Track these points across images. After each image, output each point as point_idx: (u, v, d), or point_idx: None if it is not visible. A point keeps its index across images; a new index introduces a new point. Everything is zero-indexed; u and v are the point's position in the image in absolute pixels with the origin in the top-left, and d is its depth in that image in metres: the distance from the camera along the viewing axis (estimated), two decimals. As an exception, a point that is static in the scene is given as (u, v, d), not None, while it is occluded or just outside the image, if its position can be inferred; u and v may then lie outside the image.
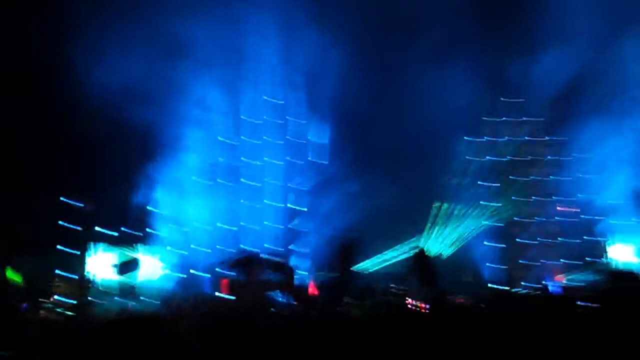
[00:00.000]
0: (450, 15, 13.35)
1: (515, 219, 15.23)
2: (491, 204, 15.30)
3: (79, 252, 12.46)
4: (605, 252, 14.46)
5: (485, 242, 14.96)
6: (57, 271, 12.00)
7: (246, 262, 8.36)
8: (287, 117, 15.46)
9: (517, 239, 15.06)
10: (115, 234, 13.21)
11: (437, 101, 13.12)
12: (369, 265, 13.99)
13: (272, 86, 15.23)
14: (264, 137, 15.34)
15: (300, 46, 14.26)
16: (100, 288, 12.20)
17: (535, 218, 15.24)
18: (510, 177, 15.48)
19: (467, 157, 15.36)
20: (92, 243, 12.74)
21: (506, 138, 15.61)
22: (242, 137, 15.16)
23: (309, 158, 15.45)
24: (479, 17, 13.57)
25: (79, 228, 12.53)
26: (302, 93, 15.16)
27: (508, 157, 15.57)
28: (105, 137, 12.72)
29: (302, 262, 13.97)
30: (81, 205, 12.73)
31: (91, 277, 12.46)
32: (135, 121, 12.54)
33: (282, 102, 15.37)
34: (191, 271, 13.22)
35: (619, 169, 13.92)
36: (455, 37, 13.35)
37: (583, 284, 12.74)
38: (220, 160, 14.90)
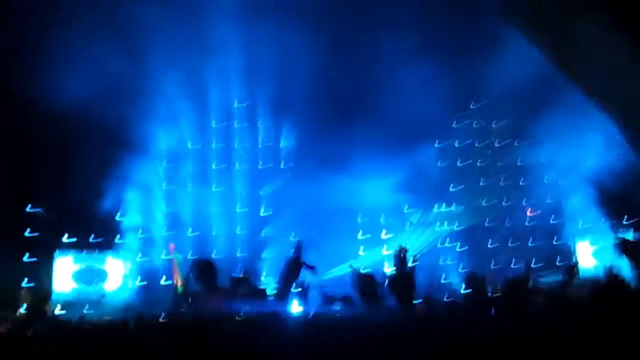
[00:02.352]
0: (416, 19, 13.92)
1: (485, 224, 16.08)
2: (458, 209, 16.10)
3: (40, 261, 12.66)
4: (575, 254, 15.30)
5: (455, 248, 15.75)
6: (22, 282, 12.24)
7: (199, 270, 8.41)
8: (251, 120, 15.96)
9: (487, 245, 15.87)
10: (74, 239, 13.48)
11: (402, 104, 13.75)
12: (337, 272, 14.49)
13: (237, 89, 15.65)
14: (229, 142, 15.88)
15: (265, 44, 14.63)
16: (60, 298, 12.43)
17: (506, 223, 16.10)
18: (480, 182, 16.32)
19: (435, 162, 16.15)
20: (55, 251, 12.97)
21: (475, 143, 16.46)
22: (208, 143, 15.66)
23: (272, 162, 16.01)
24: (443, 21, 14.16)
25: (42, 236, 12.77)
26: (268, 96, 15.62)
27: (477, 162, 16.40)
28: (67, 141, 12.99)
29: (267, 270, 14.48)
30: (44, 212, 12.95)
31: (50, 287, 12.67)
32: (98, 125, 12.89)
33: (246, 104, 15.84)
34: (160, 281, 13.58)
35: (585, 171, 14.76)
36: (422, 41, 13.88)
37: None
38: (187, 166, 15.38)
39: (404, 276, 7.18)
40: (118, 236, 13.98)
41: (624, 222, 14.42)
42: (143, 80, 14.09)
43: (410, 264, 8.05)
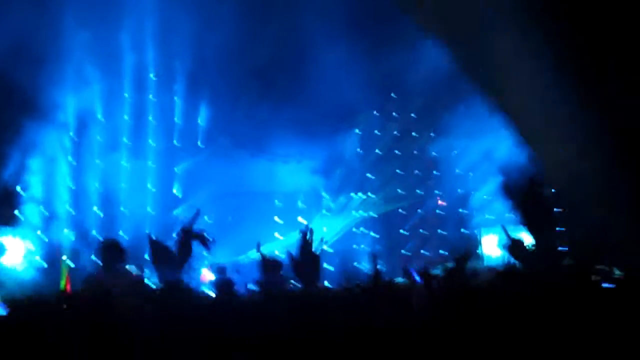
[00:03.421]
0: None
1: (399, 211, 16.86)
2: (373, 196, 16.74)
3: None
4: (480, 244, 16.30)
5: (369, 234, 16.40)
6: None
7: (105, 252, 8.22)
8: (167, 94, 15.69)
9: (399, 230, 16.65)
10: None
11: (321, 91, 14.02)
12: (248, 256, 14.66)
13: (152, 61, 15.32)
14: (142, 116, 15.53)
15: (183, 18, 14.41)
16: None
17: (418, 211, 16.93)
18: (396, 170, 17.01)
19: (353, 149, 16.66)
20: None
21: (394, 133, 17.08)
22: (119, 115, 15.23)
23: (187, 139, 15.86)
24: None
25: None
26: (184, 71, 15.41)
27: (394, 151, 17.06)
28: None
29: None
30: None
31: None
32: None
33: (162, 77, 15.55)
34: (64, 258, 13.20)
35: (491, 164, 15.70)
36: (344, 26, 14.14)
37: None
38: (96, 138, 14.91)
39: (309, 258, 7.36)
40: (18, 210, 13.44)
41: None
42: (51, 44, 13.53)
43: (316, 245, 8.26)
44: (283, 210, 16.15)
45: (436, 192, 17.13)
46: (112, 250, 8.05)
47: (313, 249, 8.01)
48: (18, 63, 12.56)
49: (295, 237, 15.35)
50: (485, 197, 16.16)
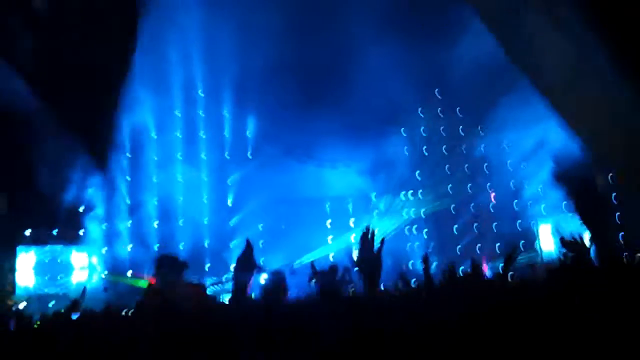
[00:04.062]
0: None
1: (451, 209, 16.67)
2: (423, 195, 16.64)
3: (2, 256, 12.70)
4: (537, 236, 15.96)
5: (421, 233, 16.32)
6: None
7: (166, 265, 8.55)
8: (216, 109, 16.15)
9: (451, 228, 16.48)
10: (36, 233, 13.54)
11: (366, 94, 14.09)
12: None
13: (202, 78, 15.81)
14: (194, 132, 16.06)
15: (229, 33, 14.77)
16: (24, 293, 12.54)
17: (470, 207, 16.70)
18: (445, 168, 16.88)
19: (400, 150, 16.62)
20: (16, 246, 13.01)
21: (440, 130, 16.96)
22: (172, 132, 15.80)
23: (238, 151, 16.25)
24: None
25: (3, 231, 12.79)
26: (233, 85, 15.80)
27: (440, 149, 16.92)
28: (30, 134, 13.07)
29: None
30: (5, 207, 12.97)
31: (14, 282, 12.73)
32: (60, 117, 12.93)
33: (211, 93, 16.02)
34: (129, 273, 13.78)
35: (544, 154, 15.36)
36: (388, 29, 14.13)
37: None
38: (152, 156, 15.52)
39: (372, 258, 7.42)
40: (82, 229, 14.11)
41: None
42: (104, 69, 14.13)
43: (377, 246, 8.29)
44: (333, 215, 16.29)
45: (488, 186, 16.82)
46: (169, 264, 8.34)
47: (375, 249, 8.05)
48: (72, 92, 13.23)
49: (346, 240, 15.61)
50: (539, 188, 15.83)
